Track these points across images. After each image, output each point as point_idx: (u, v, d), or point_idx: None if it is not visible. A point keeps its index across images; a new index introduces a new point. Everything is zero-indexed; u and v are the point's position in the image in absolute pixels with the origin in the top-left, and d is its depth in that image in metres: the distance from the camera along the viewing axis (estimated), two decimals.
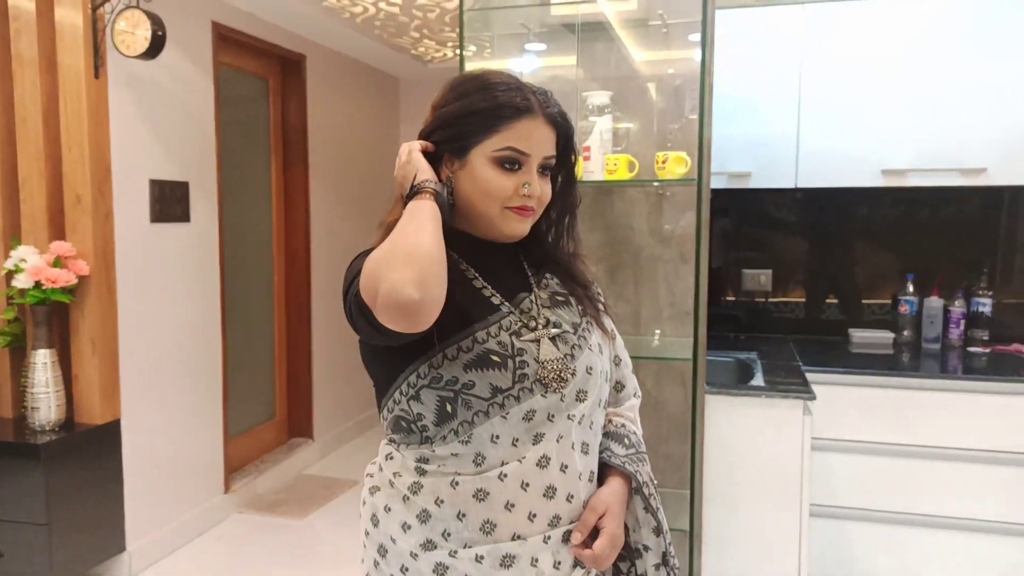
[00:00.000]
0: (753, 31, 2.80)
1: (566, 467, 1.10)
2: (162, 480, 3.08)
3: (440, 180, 1.11)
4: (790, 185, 2.82)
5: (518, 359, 1.07)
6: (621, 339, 1.32)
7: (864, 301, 3.12)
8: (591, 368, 1.13)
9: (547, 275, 1.20)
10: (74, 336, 2.76)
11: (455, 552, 1.07)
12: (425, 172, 1.09)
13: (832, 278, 3.15)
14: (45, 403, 2.65)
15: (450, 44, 4.25)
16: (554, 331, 1.12)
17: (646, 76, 2.36)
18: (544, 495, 1.08)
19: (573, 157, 1.19)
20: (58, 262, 2.62)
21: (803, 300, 3.18)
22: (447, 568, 1.07)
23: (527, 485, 1.07)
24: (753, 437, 2.29)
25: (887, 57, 2.69)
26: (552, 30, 2.32)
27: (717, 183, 2.88)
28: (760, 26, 2.80)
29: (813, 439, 2.54)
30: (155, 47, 2.64)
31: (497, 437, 1.06)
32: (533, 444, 1.07)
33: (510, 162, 1.09)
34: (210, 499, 3.39)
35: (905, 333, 2.96)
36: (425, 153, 1.12)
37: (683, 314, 2.31)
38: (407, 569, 1.10)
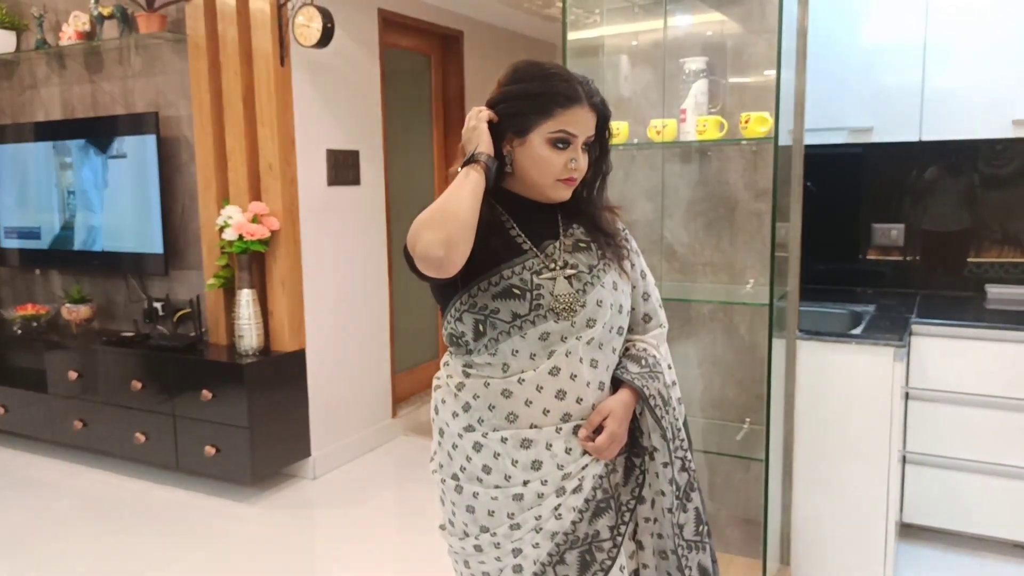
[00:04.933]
0: None
1: (575, 376, 1.38)
2: (340, 402, 3.68)
3: (501, 151, 1.40)
4: (914, 138, 2.79)
5: (535, 292, 1.36)
6: (653, 279, 1.57)
7: (1005, 260, 3.01)
8: (601, 301, 1.40)
9: (575, 226, 1.47)
10: (269, 279, 3.39)
11: (486, 434, 1.40)
12: (484, 144, 1.37)
13: (969, 234, 3.06)
14: (248, 333, 3.31)
15: (597, 11, 4.46)
16: (569, 271, 1.40)
17: (749, 34, 2.48)
18: (556, 396, 1.38)
19: (607, 135, 1.45)
20: (256, 219, 3.23)
21: (938, 256, 3.12)
22: (482, 446, 1.41)
23: (541, 388, 1.37)
24: (843, 382, 2.40)
25: None
26: (656, 1, 2.50)
27: (836, 139, 2.92)
28: None
29: (924, 390, 2.59)
30: (326, 38, 3.14)
31: (517, 351, 1.37)
32: (547, 358, 1.37)
33: (562, 142, 1.37)
34: (380, 422, 3.98)
35: None
36: (490, 122, 1.40)
37: (779, 264, 2.44)
38: (456, 446, 1.45)
